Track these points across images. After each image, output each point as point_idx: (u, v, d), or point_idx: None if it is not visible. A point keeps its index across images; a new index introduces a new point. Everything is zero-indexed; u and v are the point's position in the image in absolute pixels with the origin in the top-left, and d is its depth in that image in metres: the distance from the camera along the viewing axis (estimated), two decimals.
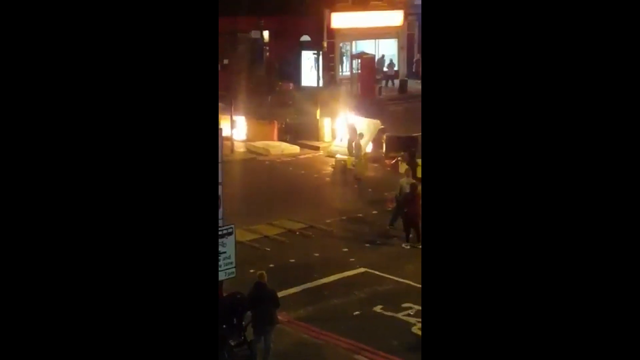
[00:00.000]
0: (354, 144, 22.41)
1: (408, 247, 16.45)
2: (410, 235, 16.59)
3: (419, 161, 21.84)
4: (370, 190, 21.15)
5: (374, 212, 19.10)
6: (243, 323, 11.51)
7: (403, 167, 20.81)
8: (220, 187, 10.94)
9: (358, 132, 22.97)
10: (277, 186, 21.79)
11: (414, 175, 18.74)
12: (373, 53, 38.66)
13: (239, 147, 26.01)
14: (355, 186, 21.53)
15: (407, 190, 17.10)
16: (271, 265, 15.00)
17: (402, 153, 22.61)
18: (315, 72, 34.67)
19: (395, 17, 39.79)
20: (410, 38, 41.74)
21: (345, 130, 24.49)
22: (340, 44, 38.71)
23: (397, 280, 14.62)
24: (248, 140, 26.67)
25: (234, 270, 11.30)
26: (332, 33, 37.20)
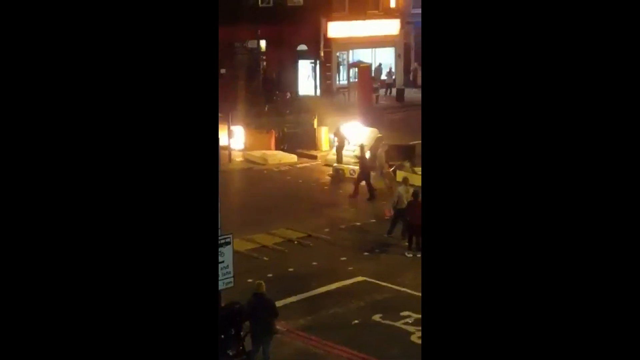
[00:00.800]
0: (376, 155, 22.34)
1: (410, 255, 16.40)
2: (413, 244, 16.57)
3: (417, 170, 21.87)
4: (367, 199, 21.12)
5: (372, 220, 19.08)
6: (241, 333, 11.47)
7: (401, 176, 20.80)
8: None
9: (381, 142, 23.00)
10: (275, 195, 21.77)
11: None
12: (370, 62, 38.72)
13: (237, 157, 26.00)
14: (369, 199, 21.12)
15: (405, 198, 17.08)
16: (269, 275, 14.96)
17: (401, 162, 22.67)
18: (313, 81, 34.67)
19: (391, 26, 39.86)
20: (406, 47, 41.81)
21: (334, 138, 24.60)
22: (337, 53, 38.77)
23: (395, 289, 14.59)
24: (246, 149, 26.67)
25: (232, 280, 11.26)
26: (328, 42, 37.27)
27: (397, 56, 41.34)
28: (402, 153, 23.37)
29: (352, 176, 22.90)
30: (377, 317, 13.32)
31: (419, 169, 21.86)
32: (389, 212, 18.36)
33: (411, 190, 17.13)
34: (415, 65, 41.60)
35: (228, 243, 11.18)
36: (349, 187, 22.08)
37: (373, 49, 40.04)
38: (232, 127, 26.22)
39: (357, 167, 23.23)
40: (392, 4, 39.87)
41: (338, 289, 14.73)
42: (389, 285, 14.78)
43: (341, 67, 39.35)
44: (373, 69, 38.73)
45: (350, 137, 24.23)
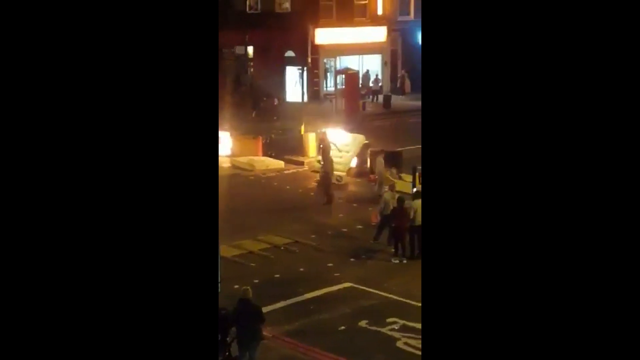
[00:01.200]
0: (376, 161, 22.39)
1: (397, 261, 16.43)
2: (398, 250, 16.59)
3: (404, 176, 21.92)
4: (355, 205, 21.16)
5: (359, 226, 19.11)
6: (228, 339, 11.46)
7: (387, 182, 20.82)
8: None
9: (368, 149, 23.08)
10: (262, 201, 21.76)
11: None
12: (357, 69, 38.82)
13: (224, 163, 25.95)
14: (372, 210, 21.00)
15: (391, 204, 17.12)
16: (256, 281, 14.95)
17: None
18: (300, 88, 34.70)
19: (378, 33, 39.99)
20: (393, 54, 41.95)
21: (319, 144, 24.65)
22: (325, 60, 38.85)
23: (382, 295, 14.61)
24: (233, 155, 26.66)
25: (218, 286, 11.25)
26: (316, 49, 37.35)
27: (384, 63, 41.46)
28: (389, 159, 23.41)
29: (338, 182, 22.94)
30: (363, 323, 13.34)
31: (405, 176, 21.91)
32: (375, 218, 18.39)
33: (397, 196, 17.18)
34: (402, 72, 41.74)
35: None
36: (336, 193, 22.11)
37: (360, 56, 40.15)
38: (219, 133, 26.19)
39: (342, 174, 23.29)
40: (379, 12, 40.02)
41: (324, 294, 14.74)
42: (376, 291, 14.80)
43: (328, 73, 39.44)
44: (360, 75, 38.83)
45: (336, 143, 24.27)
